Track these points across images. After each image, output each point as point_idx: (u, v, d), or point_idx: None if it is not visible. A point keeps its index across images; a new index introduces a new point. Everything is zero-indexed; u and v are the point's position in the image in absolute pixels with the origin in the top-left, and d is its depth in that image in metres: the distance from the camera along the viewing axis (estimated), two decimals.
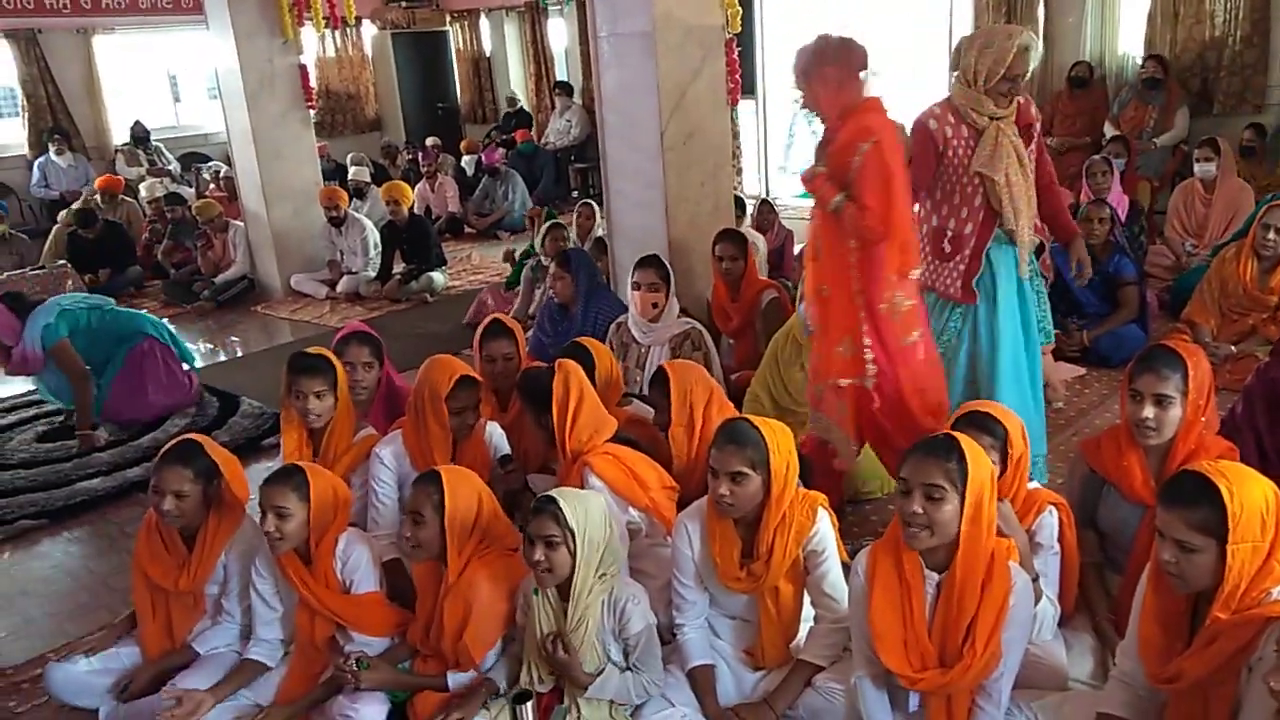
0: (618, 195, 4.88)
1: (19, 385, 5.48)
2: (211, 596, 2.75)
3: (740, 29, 4.96)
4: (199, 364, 5.77)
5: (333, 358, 3.12)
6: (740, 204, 5.72)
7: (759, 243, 5.45)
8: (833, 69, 2.75)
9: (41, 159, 9.77)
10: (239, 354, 6.40)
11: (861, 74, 2.83)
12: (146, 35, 10.98)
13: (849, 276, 2.82)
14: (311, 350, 3.13)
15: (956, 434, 2.14)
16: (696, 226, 4.71)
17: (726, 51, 4.75)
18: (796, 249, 5.91)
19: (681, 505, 2.69)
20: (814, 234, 2.85)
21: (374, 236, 7.45)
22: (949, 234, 3.19)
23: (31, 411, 5.24)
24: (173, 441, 2.72)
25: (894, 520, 2.13)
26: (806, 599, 2.47)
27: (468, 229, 9.57)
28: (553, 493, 2.30)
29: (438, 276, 7.32)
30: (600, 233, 6.32)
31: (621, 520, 2.65)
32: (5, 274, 7.12)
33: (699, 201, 4.73)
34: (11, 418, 5.19)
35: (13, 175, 9.97)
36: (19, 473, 4.44)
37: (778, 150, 10.35)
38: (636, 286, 4.01)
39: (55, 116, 10.09)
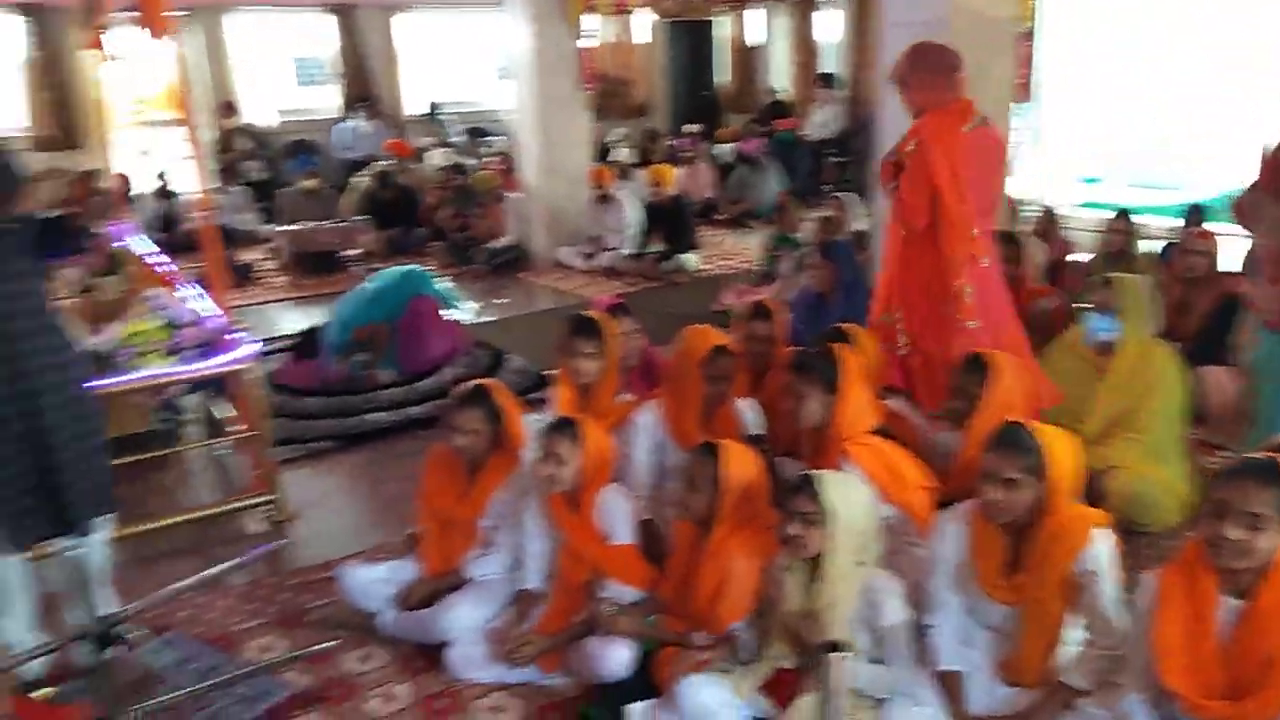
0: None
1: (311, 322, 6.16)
2: (485, 528, 2.99)
3: (1033, 23, 4.72)
4: (470, 321, 6.25)
5: (606, 323, 3.30)
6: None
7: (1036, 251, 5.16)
8: (924, 72, 3.13)
9: (346, 123, 10.86)
10: (505, 316, 6.85)
11: (955, 74, 3.25)
12: (440, 15, 11.90)
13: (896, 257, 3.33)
14: (589, 314, 3.33)
15: None
16: None
17: (1018, 47, 4.54)
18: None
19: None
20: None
21: (633, 215, 7.73)
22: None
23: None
24: (471, 384, 2.98)
25: (1190, 542, 2.01)
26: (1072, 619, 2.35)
27: (719, 215, 9.71)
28: (815, 473, 2.33)
29: (690, 258, 7.51)
30: (859, 226, 6.24)
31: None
32: (312, 224, 8.00)
33: None
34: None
35: (321, 136, 11.15)
36: (315, 399, 5.00)
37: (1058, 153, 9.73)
38: None
39: (362, 86, 11.18)
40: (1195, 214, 5.46)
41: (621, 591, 2.70)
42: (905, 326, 3.45)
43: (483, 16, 11.83)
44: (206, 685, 2.38)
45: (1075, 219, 7.49)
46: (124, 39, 4.29)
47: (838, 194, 6.93)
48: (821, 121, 11.18)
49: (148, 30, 3.25)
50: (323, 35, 11.14)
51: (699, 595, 2.49)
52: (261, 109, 10.94)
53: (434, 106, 11.20)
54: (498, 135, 11.27)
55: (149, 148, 4.54)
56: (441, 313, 5.46)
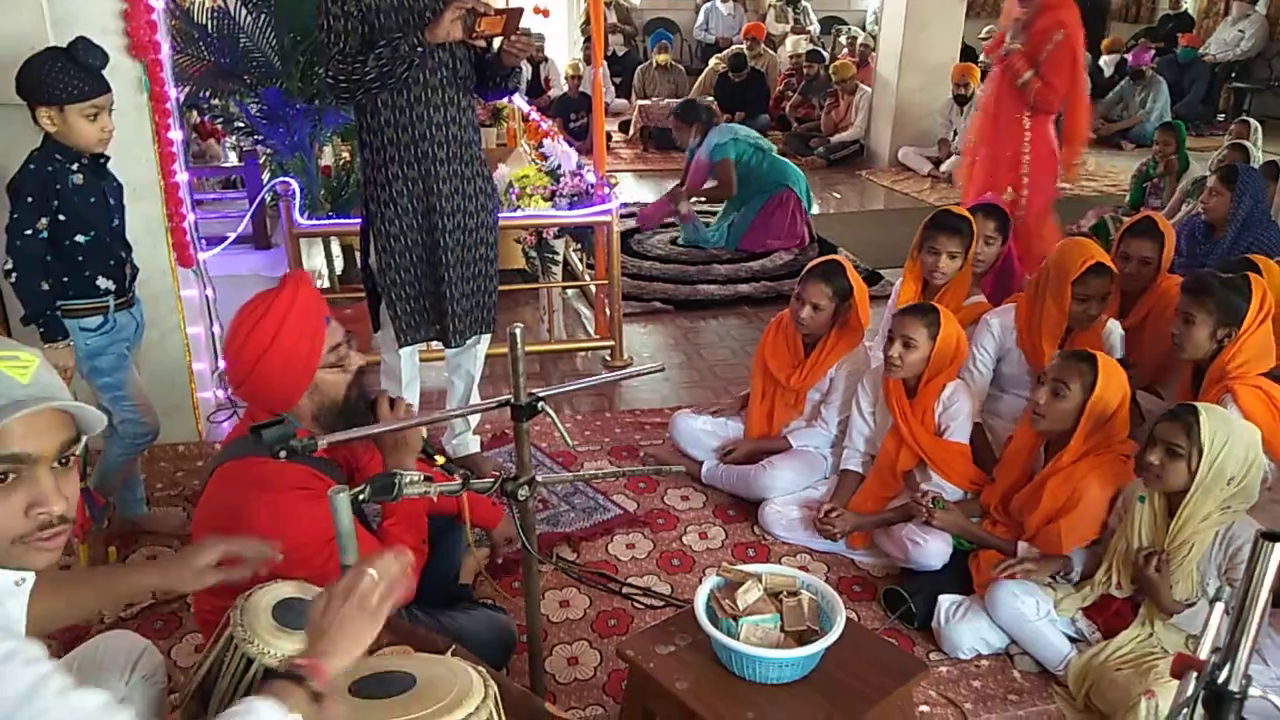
0: None
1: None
2: (812, 401, 3.07)
3: None
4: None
5: (974, 222, 3.17)
6: None
7: None
8: None
9: (707, 4, 10.97)
10: (836, 211, 6.78)
11: None
12: None
13: (1021, 140, 3.58)
14: (955, 209, 3.21)
15: None
16: None
17: None
18: None
19: None
20: (990, 103, 3.47)
21: None
22: None
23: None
24: (822, 259, 3.02)
25: None
26: None
27: (1089, 133, 8.84)
28: (1201, 405, 2.14)
29: None
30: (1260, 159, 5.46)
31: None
32: (664, 99, 8.26)
33: None
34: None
35: (682, 16, 11.36)
36: (655, 264, 5.28)
37: None
38: None
39: None
40: None
41: (945, 486, 2.68)
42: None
43: None
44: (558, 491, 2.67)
45: None
46: None
47: (1244, 119, 6.07)
48: (1231, 39, 9.75)
49: None
50: None
51: (1041, 508, 2.41)
52: None
53: None
54: (853, 26, 10.90)
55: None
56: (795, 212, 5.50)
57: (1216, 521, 2.13)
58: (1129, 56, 9.01)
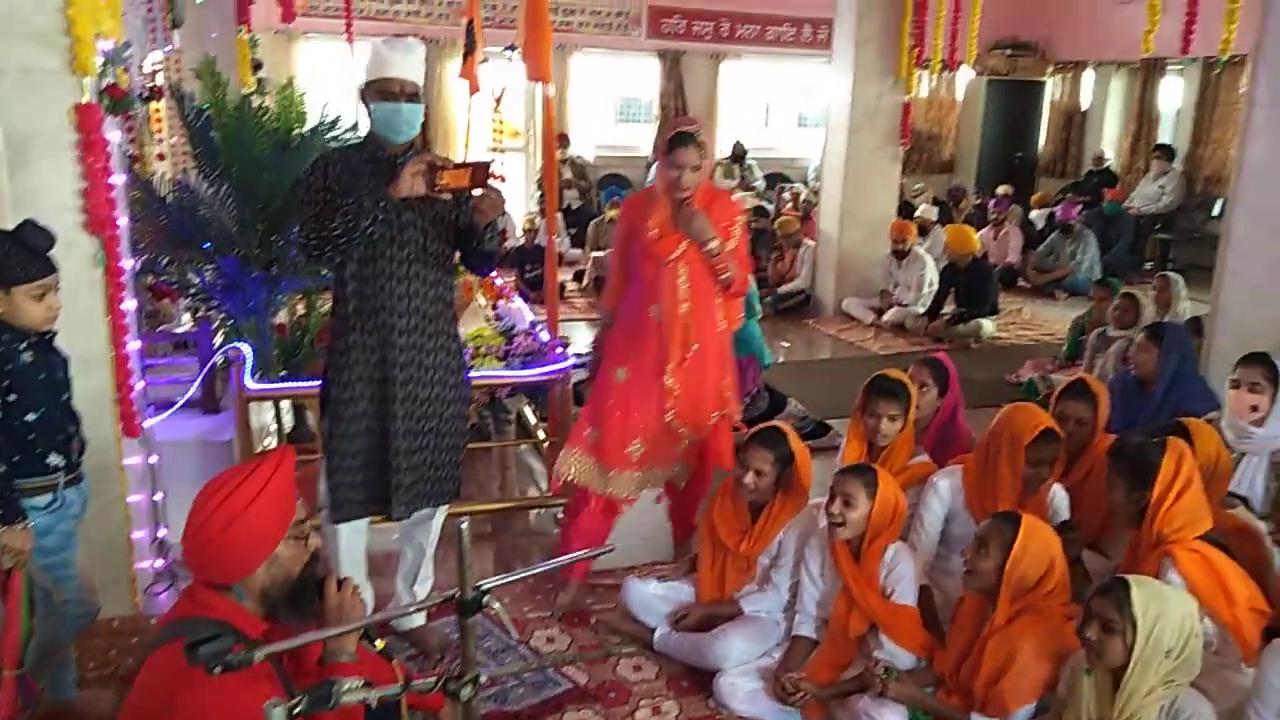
0: (1233, 276, 4.39)
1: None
2: (763, 566, 3.07)
3: None
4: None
5: (911, 386, 3.26)
6: None
7: None
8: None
9: (658, 161, 11.44)
10: (785, 360, 6.93)
11: None
12: (762, 64, 12.26)
13: (716, 323, 3.30)
14: (892, 374, 3.30)
15: None
16: None
17: None
18: None
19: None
20: (690, 287, 3.17)
21: (931, 274, 7.55)
22: None
23: None
24: (763, 426, 3.08)
25: None
26: None
27: (1023, 282, 9.25)
28: (1132, 579, 2.18)
29: (987, 324, 7.22)
30: (1192, 312, 5.75)
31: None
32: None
33: None
34: None
35: (634, 172, 11.83)
36: None
37: None
38: (1236, 384, 3.55)
39: None
40: None
41: (897, 653, 2.67)
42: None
43: (799, 65, 12.09)
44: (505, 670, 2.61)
45: None
46: (497, 73, 4.82)
47: (1165, 273, 6.40)
48: (1152, 194, 10.37)
49: (528, 72, 3.64)
50: (647, 77, 11.83)
51: (982, 672, 2.41)
52: (585, 143, 11.78)
53: (740, 150, 11.54)
54: (796, 182, 11.42)
55: (501, 168, 5.05)
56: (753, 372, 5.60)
57: (1161, 696, 2.13)
58: (1058, 211, 9.52)
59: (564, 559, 2.06)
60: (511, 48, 4.06)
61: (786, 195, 10.59)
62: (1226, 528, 2.75)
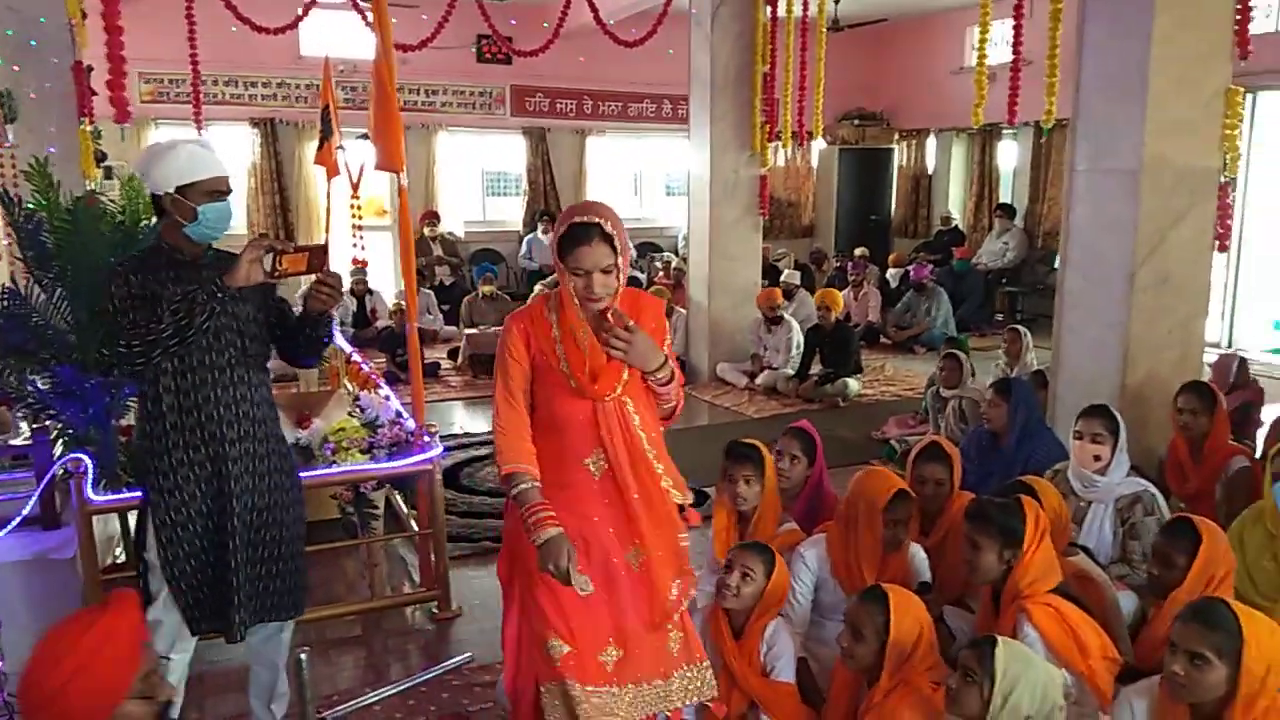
0: (1070, 332, 4.68)
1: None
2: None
3: (1237, 173, 4.57)
4: None
5: (764, 449, 3.33)
6: None
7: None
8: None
9: (530, 235, 11.52)
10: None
11: None
12: (626, 139, 12.57)
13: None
14: (746, 440, 3.37)
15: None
16: (1157, 376, 4.37)
17: (1220, 196, 4.40)
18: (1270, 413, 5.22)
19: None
20: (642, 422, 2.38)
21: (798, 337, 7.79)
22: None
23: None
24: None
25: None
26: None
27: (884, 339, 9.64)
28: (1002, 639, 2.26)
29: (852, 383, 7.47)
30: (1037, 365, 6.08)
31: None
32: (491, 329, 8.46)
33: (1164, 350, 4.39)
34: (486, 450, 6.12)
35: (507, 246, 11.86)
36: (487, 499, 5.22)
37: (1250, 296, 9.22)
38: (1079, 436, 3.76)
39: (547, 201, 11.89)
40: None
41: None
42: None
43: (663, 139, 12.44)
44: None
45: (1267, 366, 7.05)
46: (352, 156, 4.77)
47: (1014, 326, 6.79)
48: (997, 250, 11.03)
49: (377, 162, 3.62)
50: (514, 151, 11.95)
51: None
52: (454, 219, 11.75)
53: None
54: (667, 251, 11.66)
55: (360, 252, 4.98)
56: None
57: None
58: (911, 270, 10.01)
59: (430, 672, 1.97)
60: (364, 137, 4.03)
61: (658, 264, 10.80)
62: (1068, 577, 2.88)
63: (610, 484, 2.34)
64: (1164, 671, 2.19)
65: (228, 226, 2.56)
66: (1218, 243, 4.40)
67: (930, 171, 12.72)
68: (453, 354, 8.80)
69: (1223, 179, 4.39)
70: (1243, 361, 5.43)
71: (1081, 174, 4.48)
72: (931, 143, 12.59)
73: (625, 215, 12.02)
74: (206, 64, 7.10)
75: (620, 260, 2.21)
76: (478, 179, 12.23)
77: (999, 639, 2.23)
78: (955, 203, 12.48)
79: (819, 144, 12.17)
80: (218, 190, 2.53)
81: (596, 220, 2.19)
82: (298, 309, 2.71)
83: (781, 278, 9.56)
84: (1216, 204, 4.39)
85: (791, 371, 7.67)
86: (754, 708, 2.74)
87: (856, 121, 12.88)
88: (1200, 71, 4.16)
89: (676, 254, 11.34)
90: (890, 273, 11.07)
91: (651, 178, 13.21)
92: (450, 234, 11.46)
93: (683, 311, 8.37)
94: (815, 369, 7.63)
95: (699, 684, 2.47)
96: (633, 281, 9.19)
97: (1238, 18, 4.27)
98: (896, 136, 12.95)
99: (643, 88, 11.99)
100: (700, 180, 7.81)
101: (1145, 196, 4.17)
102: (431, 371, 8.21)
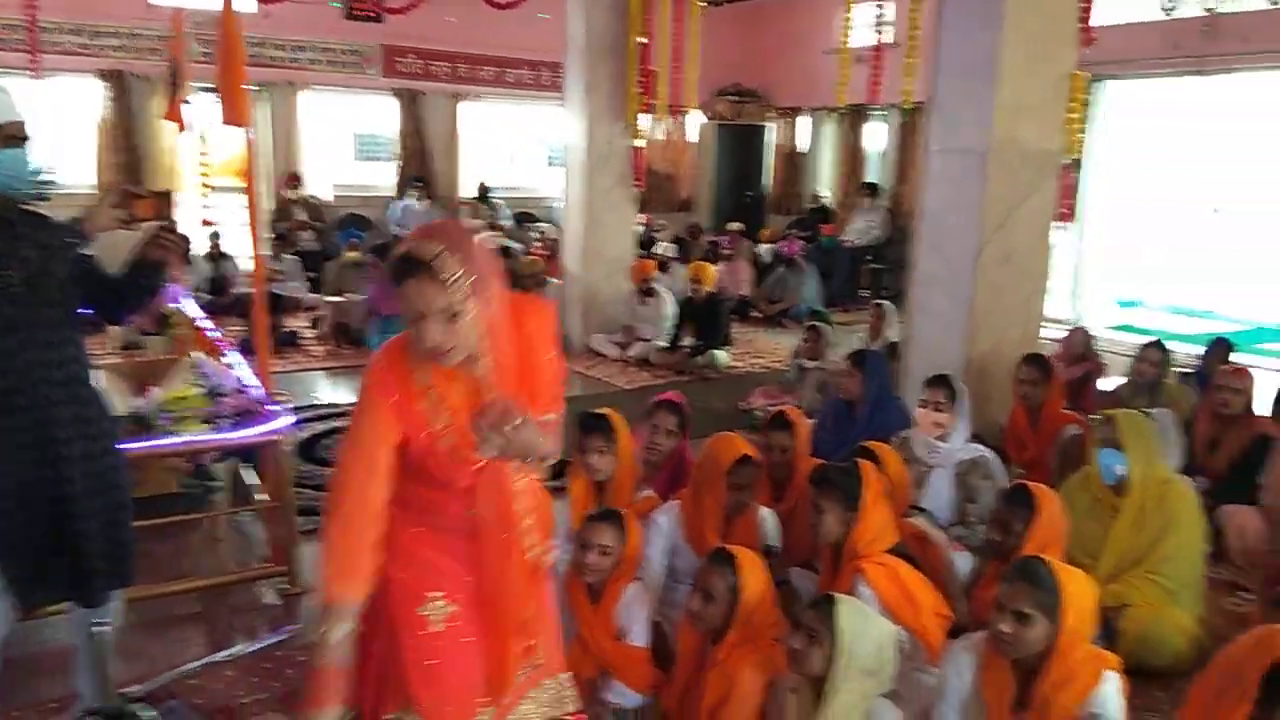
0: (921, 306, 4.86)
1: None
2: None
3: (1079, 155, 4.81)
4: None
5: (616, 420, 3.33)
6: None
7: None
8: None
9: (401, 201, 11.21)
10: None
11: None
12: (502, 105, 12.36)
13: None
14: (600, 411, 3.38)
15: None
16: (1000, 350, 4.59)
17: (1062, 178, 4.63)
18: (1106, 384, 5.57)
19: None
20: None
21: (671, 309, 7.85)
22: None
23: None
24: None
25: None
26: None
27: (755, 313, 9.82)
28: (840, 596, 2.32)
29: (722, 355, 7.58)
30: (893, 337, 6.30)
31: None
32: (356, 296, 8.21)
33: (1007, 324, 4.61)
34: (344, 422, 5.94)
35: (376, 212, 11.51)
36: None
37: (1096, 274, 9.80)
38: (923, 404, 3.93)
39: (419, 166, 11.58)
40: (1222, 348, 5.42)
41: (624, 694, 2.69)
42: None
43: (541, 107, 12.27)
44: None
45: (1110, 341, 7.51)
46: (202, 111, 4.51)
47: (878, 301, 7.01)
48: (862, 228, 11.35)
49: (223, 116, 3.43)
50: (386, 114, 11.59)
51: (704, 706, 2.48)
52: (321, 182, 11.32)
53: (485, 189, 11.53)
54: (545, 221, 11.55)
55: (211, 212, 4.72)
56: None
57: (860, 705, 2.28)
58: (782, 246, 10.20)
59: (262, 643, 1.85)
60: (210, 89, 3.81)
61: (535, 234, 10.70)
62: (907, 538, 3.00)
63: (475, 532, 1.99)
64: (990, 629, 2.30)
65: (29, 176, 2.36)
66: (1061, 219, 4.63)
67: (803, 150, 12.98)
68: (316, 323, 8.49)
69: (1065, 161, 4.62)
70: (1086, 334, 5.77)
71: (935, 154, 4.64)
72: (804, 121, 12.83)
73: (503, 184, 12.02)
74: (47, 10, 6.59)
75: (469, 303, 1.74)
76: (348, 141, 11.81)
77: (838, 597, 2.29)
78: (825, 181, 12.77)
79: (697, 118, 12.29)
80: (12, 136, 2.33)
81: (429, 254, 1.72)
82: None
83: (654, 250, 9.62)
84: (1059, 185, 4.62)
85: (664, 343, 7.73)
86: (605, 674, 2.75)
87: (733, 97, 13.01)
88: (1047, 57, 4.35)
89: (555, 224, 11.26)
90: (763, 248, 11.25)
91: (530, 146, 13.05)
92: (313, 197, 11.04)
93: (557, 282, 8.31)
94: (687, 341, 7.71)
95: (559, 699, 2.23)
96: (506, 252, 9.08)
97: (1083, 6, 4.48)
98: (772, 114, 13.15)
99: (519, 53, 11.78)
100: (576, 150, 7.75)
101: (992, 177, 4.35)
102: (290, 340, 7.90)
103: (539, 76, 12.10)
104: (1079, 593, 2.23)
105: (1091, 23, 4.57)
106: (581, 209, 7.77)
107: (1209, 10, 7.64)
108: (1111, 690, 2.25)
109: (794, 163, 13.09)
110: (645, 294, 7.87)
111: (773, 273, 10.12)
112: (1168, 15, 7.96)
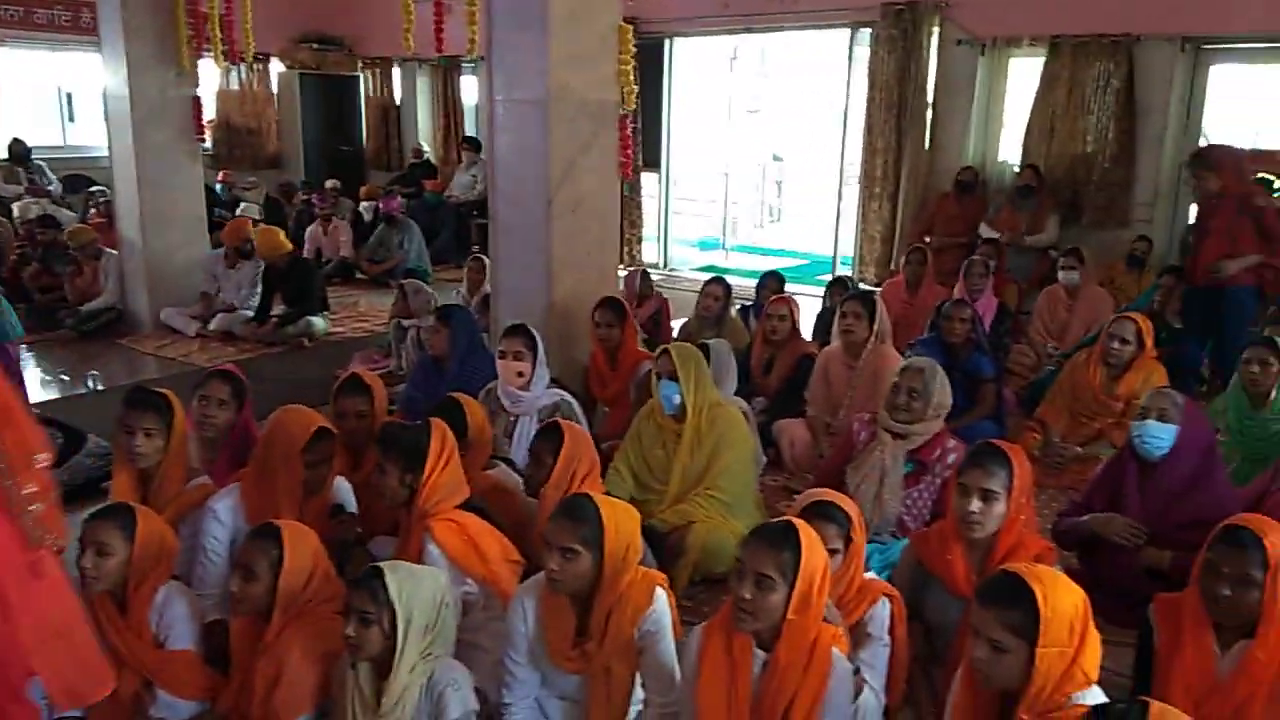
0: (503, 257, 4.89)
1: None
2: None
3: (635, 106, 5.03)
4: (53, 396, 5.56)
5: (172, 398, 3.00)
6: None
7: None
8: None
9: None
10: (98, 388, 6.08)
11: None
12: (41, 52, 10.58)
13: None
14: (153, 388, 3.02)
15: (796, 522, 2.17)
16: (579, 294, 4.74)
17: (620, 127, 4.83)
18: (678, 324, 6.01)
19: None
20: None
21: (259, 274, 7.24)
22: None
23: None
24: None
25: (727, 600, 2.15)
26: (639, 680, 2.44)
27: (359, 275, 9.41)
28: (384, 565, 2.22)
29: (318, 321, 7.15)
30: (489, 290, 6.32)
31: (458, 593, 2.58)
32: None
33: (583, 269, 4.77)
34: None
35: None
36: None
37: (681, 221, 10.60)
38: (503, 355, 3.95)
39: None
40: (774, 281, 6.08)
41: (173, 705, 2.42)
42: None
43: (88, 55, 10.66)
44: None
45: (694, 282, 8.16)
46: None
47: (476, 255, 6.98)
48: (467, 183, 11.27)
49: None
50: None
51: (257, 695, 2.29)
52: None
53: (21, 149, 9.79)
54: (103, 185, 10.12)
55: None
56: None
57: (423, 671, 2.21)
58: (381, 204, 9.82)
59: None
60: None
61: (97, 200, 9.30)
62: (485, 489, 3.00)
63: None
64: (544, 571, 2.33)
65: None
66: (621, 170, 4.86)
67: (398, 102, 12.58)
68: None
69: (622, 111, 4.82)
70: (645, 275, 6.16)
71: (500, 104, 4.63)
72: (397, 72, 12.42)
73: (50, 144, 10.33)
74: None
75: None
76: None
77: (383, 568, 2.19)
78: (425, 135, 12.50)
79: (276, 67, 11.41)
80: None
81: None
82: None
83: (238, 210, 8.85)
84: (619, 135, 4.82)
85: (250, 313, 7.12)
86: (150, 685, 2.45)
87: (316, 45, 12.22)
88: (592, 8, 4.48)
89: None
90: (363, 206, 10.77)
91: (87, 101, 11.31)
92: None
93: (112, 253, 7.31)
94: (277, 309, 7.17)
95: None
96: (46, 222, 7.87)
97: None
98: (360, 64, 12.56)
99: None
100: (118, 101, 6.77)
101: (554, 126, 4.44)
102: None
103: (80, 19, 10.47)
104: (621, 520, 2.33)
105: None
106: (134, 169, 6.81)
107: None
108: (662, 606, 2.38)
109: (389, 116, 12.64)
110: (243, 257, 7.18)
111: (375, 232, 9.73)
112: None
